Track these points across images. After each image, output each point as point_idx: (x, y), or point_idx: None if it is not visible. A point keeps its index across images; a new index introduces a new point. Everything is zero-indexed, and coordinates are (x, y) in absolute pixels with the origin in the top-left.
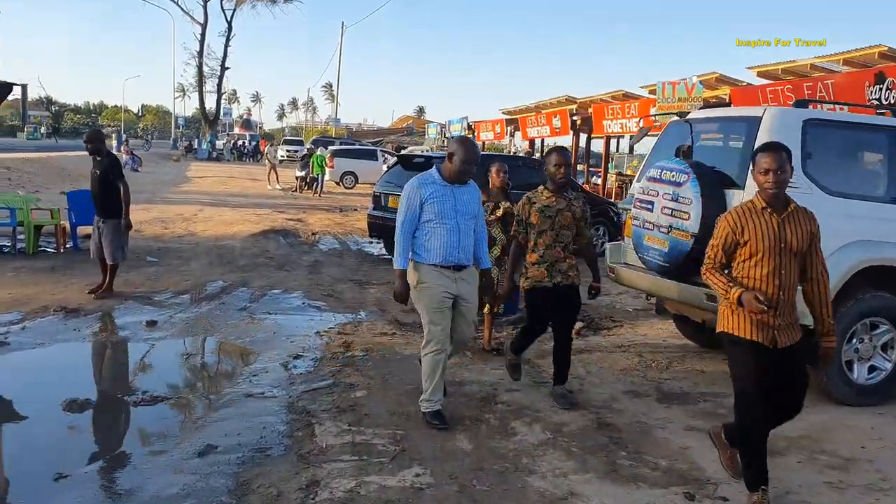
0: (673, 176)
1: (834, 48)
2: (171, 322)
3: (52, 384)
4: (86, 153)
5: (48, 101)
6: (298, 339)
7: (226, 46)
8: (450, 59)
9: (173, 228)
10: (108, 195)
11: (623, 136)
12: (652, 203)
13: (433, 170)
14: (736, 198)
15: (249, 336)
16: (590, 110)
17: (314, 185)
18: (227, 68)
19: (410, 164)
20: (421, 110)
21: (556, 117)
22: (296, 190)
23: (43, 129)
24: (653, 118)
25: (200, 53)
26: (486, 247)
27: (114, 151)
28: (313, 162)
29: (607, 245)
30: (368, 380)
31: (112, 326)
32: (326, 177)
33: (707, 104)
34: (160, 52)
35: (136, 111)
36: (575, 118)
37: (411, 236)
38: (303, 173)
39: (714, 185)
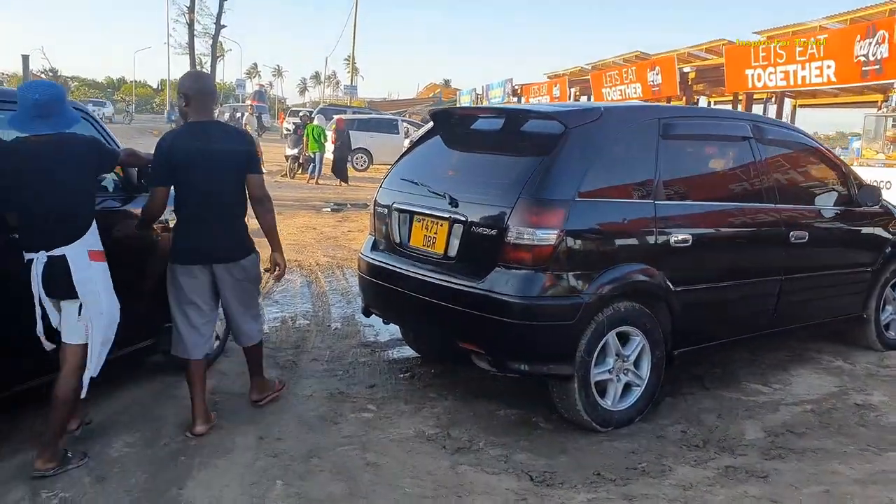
0: None
1: None
2: None
3: None
4: None
5: (53, 74)
6: None
7: (221, 1)
8: (481, 22)
9: None
10: None
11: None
12: None
13: None
14: None
15: None
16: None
17: (310, 168)
18: (224, 26)
19: (456, 133)
20: (447, 83)
21: (653, 70)
22: (286, 174)
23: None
24: None
25: (191, 9)
26: None
27: None
28: (308, 136)
29: None
30: None
31: None
32: (328, 155)
33: None
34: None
35: (155, 86)
36: (687, 70)
37: None
38: (295, 151)
39: None
